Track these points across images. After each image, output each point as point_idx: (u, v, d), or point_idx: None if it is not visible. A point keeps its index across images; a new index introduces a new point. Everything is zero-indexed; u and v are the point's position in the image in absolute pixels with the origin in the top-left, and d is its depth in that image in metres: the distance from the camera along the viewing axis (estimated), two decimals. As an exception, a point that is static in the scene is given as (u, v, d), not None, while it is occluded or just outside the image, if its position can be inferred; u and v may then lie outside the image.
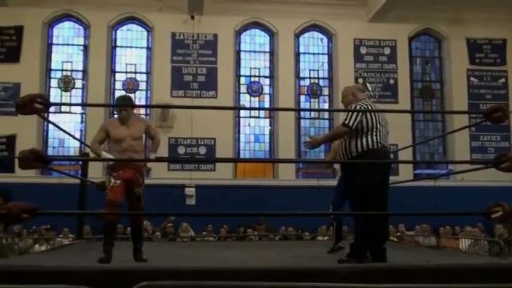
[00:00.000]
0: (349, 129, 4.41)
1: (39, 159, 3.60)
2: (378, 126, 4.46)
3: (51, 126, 13.14)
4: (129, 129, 4.88)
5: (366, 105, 4.55)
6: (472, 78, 14.51)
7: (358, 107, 4.48)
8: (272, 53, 14.35)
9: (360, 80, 13.93)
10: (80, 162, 8.11)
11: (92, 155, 5.74)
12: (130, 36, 14.12)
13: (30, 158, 3.48)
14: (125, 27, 14.09)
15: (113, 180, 4.69)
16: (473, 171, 5.89)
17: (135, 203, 4.80)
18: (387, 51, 14.31)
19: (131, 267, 3.27)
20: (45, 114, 6.65)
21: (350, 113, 4.44)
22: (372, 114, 4.45)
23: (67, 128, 12.34)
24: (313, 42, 14.64)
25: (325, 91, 14.45)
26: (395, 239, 8.89)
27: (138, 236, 4.87)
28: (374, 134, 4.43)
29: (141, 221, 5.08)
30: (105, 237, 4.61)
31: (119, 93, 13.74)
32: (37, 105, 3.52)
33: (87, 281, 2.64)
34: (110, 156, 4.77)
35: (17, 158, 3.46)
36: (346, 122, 4.42)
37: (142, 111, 13.80)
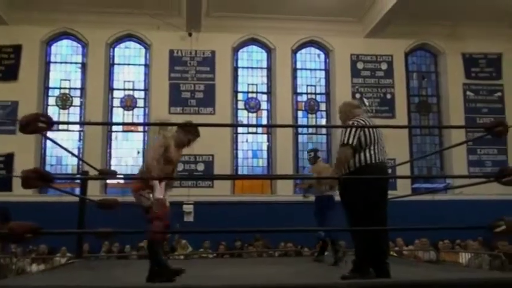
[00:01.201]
0: (351, 147, 4.42)
1: (41, 178, 3.61)
2: (376, 141, 4.47)
3: (48, 144, 13.14)
4: (179, 154, 4.74)
5: (363, 120, 4.58)
6: (468, 93, 14.60)
7: (355, 123, 4.50)
8: (269, 69, 14.42)
9: (357, 95, 13.99)
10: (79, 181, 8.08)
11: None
12: (128, 54, 14.18)
13: (33, 177, 3.49)
14: (122, 45, 14.16)
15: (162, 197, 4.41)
16: (474, 185, 5.90)
17: None
18: (384, 66, 14.39)
19: (130, 286, 3.25)
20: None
21: (348, 131, 4.43)
22: (370, 129, 4.46)
23: (64, 145, 12.33)
24: (311, 58, 14.73)
25: (323, 106, 14.49)
26: (394, 254, 8.86)
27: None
28: (372, 149, 4.44)
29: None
30: (159, 253, 4.38)
31: (116, 110, 13.77)
32: (40, 124, 3.53)
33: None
34: (161, 196, 4.38)
35: (20, 177, 3.47)
36: (345, 141, 4.41)
37: (140, 128, 13.82)
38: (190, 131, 4.73)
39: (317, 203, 7.09)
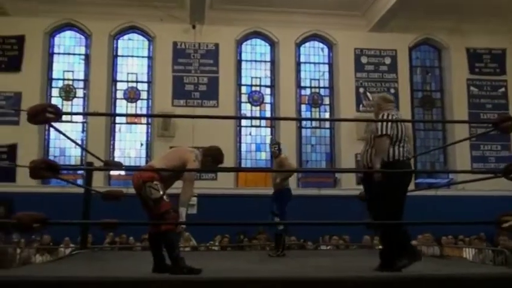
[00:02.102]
0: (388, 137, 4.41)
1: (50, 168, 3.61)
2: (406, 138, 4.50)
3: (52, 136, 13.13)
4: None
5: (396, 115, 4.59)
6: (472, 88, 14.57)
7: (390, 117, 4.51)
8: (273, 63, 14.39)
9: (361, 90, 13.98)
10: (84, 172, 8.09)
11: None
12: (132, 46, 14.14)
13: (42, 167, 3.49)
14: (126, 37, 14.12)
15: (161, 192, 4.39)
16: (478, 180, 5.89)
17: None
18: (388, 60, 14.36)
19: (139, 279, 3.24)
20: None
21: (384, 123, 4.45)
22: (402, 126, 4.47)
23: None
24: (314, 52, 14.68)
25: (326, 100, 14.47)
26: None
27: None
28: (402, 145, 4.46)
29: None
30: (176, 247, 4.39)
31: (120, 102, 13.74)
32: (49, 115, 3.52)
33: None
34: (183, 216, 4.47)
35: (29, 167, 3.46)
36: (384, 131, 4.42)
37: (143, 120, 13.82)
38: (219, 161, 4.79)
39: (281, 196, 7.31)
